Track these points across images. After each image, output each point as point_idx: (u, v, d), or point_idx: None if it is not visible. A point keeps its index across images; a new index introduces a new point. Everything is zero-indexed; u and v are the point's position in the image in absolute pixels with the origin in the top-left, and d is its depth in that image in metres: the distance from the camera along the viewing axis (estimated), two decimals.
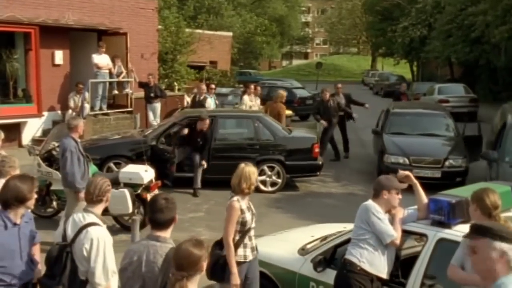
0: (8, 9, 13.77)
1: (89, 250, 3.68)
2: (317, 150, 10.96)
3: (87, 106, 14.47)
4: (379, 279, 4.41)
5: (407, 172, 4.64)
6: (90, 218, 3.82)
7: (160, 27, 20.06)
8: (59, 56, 15.19)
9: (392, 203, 4.49)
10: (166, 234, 3.47)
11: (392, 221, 4.48)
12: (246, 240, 4.78)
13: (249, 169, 4.75)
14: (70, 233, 3.81)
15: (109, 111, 15.38)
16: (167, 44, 21.49)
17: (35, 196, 3.99)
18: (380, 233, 4.39)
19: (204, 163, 10.29)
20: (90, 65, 14.89)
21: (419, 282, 4.22)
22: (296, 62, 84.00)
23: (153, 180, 8.27)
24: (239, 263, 4.72)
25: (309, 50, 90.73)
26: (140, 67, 16.66)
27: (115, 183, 7.71)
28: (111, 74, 15.33)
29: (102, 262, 3.68)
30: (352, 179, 12.10)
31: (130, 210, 7.70)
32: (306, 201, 10.42)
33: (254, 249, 4.88)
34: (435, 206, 4.33)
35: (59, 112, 15.28)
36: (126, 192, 7.65)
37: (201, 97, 13.39)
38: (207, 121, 10.45)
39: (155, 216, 3.44)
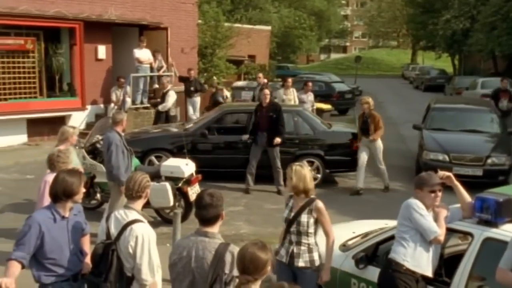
0: (54, 5, 14.14)
1: (135, 248, 3.73)
2: (356, 145, 10.85)
3: (128, 100, 14.75)
4: (424, 277, 4.36)
5: (448, 173, 4.51)
6: (132, 215, 3.86)
7: (199, 21, 20.21)
8: (102, 50, 15.53)
9: (425, 201, 4.38)
10: (214, 229, 3.47)
11: (435, 218, 4.42)
12: (286, 240, 4.72)
13: (295, 169, 4.69)
14: (113, 230, 3.86)
15: (149, 104, 15.62)
16: (207, 39, 21.64)
17: (83, 190, 4.07)
18: (423, 230, 4.32)
19: (277, 139, 9.97)
20: (132, 59, 15.16)
21: (464, 282, 4.14)
22: (334, 56, 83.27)
23: (194, 174, 8.36)
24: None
25: (347, 44, 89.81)
26: (180, 62, 16.87)
27: (157, 177, 7.85)
28: (152, 69, 15.59)
29: (148, 258, 3.73)
30: (391, 175, 11.90)
31: (171, 203, 7.81)
32: (346, 196, 10.35)
33: (287, 253, 4.67)
34: (482, 204, 4.23)
35: (102, 105, 15.63)
36: (167, 185, 7.76)
37: (164, 90, 13.85)
38: (267, 91, 10.31)
39: (201, 213, 3.45)
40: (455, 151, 10.81)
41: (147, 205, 7.61)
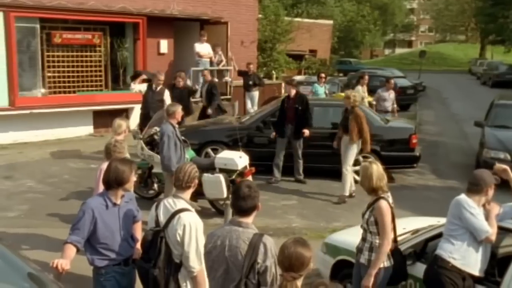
0: (119, 1, 14.63)
1: (182, 236, 3.83)
2: (414, 141, 10.64)
3: None
4: (472, 276, 4.27)
5: (505, 166, 4.46)
6: (180, 203, 3.96)
7: (260, 16, 20.31)
8: (164, 45, 15.92)
9: (490, 198, 4.36)
10: (249, 220, 3.56)
11: (487, 216, 4.31)
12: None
13: (362, 166, 4.85)
14: (162, 218, 3.96)
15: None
16: (266, 33, 21.74)
17: (134, 179, 4.23)
18: (474, 229, 4.23)
19: (306, 131, 10.08)
20: (192, 53, 15.45)
21: None
22: (399, 50, 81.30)
23: (247, 167, 8.45)
24: None
25: (413, 38, 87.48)
26: (240, 56, 17.03)
27: (211, 168, 8.00)
28: (211, 63, 15.82)
29: (195, 246, 3.82)
30: (451, 172, 11.63)
31: (225, 195, 7.92)
32: (402, 193, 10.14)
33: (358, 250, 4.77)
34: None
35: None
36: (221, 177, 7.87)
37: (158, 88, 10.70)
38: (293, 86, 10.34)
39: (238, 203, 3.54)
40: None
41: (201, 196, 7.81)
